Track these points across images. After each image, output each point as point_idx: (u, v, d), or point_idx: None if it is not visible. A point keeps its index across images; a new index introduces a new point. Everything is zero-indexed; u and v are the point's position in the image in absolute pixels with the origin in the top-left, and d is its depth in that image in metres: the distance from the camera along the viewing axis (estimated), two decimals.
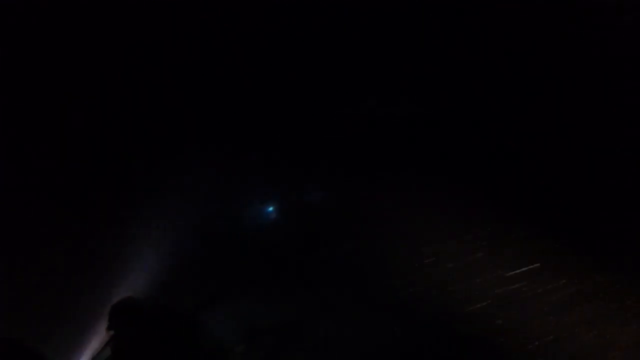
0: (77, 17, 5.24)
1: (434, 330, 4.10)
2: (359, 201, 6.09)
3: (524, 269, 4.58)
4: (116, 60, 5.57)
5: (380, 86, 6.51)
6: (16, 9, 4.82)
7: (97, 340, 4.66)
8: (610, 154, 5.43)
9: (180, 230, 5.97)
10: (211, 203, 6.24)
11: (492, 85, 6.22)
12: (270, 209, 6.57)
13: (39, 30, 5.04)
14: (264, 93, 6.24)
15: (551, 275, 4.41)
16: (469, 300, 4.34)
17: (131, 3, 5.36)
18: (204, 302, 4.77)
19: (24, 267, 5.10)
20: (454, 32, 6.15)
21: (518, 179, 5.73)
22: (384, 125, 6.62)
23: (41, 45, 5.10)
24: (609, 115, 5.51)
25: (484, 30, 6.06)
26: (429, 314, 4.30)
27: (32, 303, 4.88)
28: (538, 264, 4.59)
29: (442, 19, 6.09)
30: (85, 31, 5.34)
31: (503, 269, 4.61)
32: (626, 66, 5.31)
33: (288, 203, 6.53)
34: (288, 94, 6.30)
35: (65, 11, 5.09)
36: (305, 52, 6.14)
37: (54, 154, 5.52)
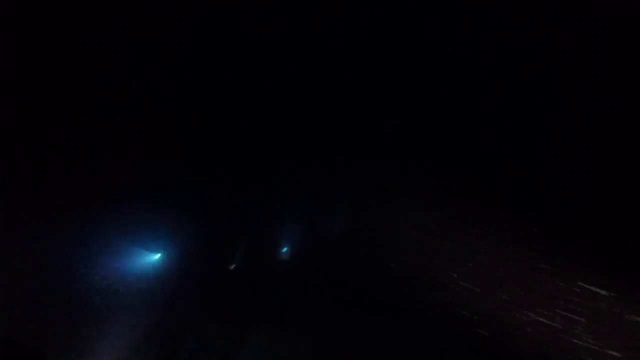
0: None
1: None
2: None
3: None
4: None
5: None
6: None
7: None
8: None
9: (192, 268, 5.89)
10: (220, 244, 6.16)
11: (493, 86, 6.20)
12: (285, 249, 6.49)
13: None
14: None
15: None
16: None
17: None
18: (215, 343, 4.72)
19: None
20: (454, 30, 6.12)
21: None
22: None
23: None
24: (609, 115, 5.50)
25: (482, 30, 6.05)
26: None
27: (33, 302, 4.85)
28: None
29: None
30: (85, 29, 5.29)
31: None
32: (626, 66, 5.30)
33: (299, 242, 6.44)
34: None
35: None
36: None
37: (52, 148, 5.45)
